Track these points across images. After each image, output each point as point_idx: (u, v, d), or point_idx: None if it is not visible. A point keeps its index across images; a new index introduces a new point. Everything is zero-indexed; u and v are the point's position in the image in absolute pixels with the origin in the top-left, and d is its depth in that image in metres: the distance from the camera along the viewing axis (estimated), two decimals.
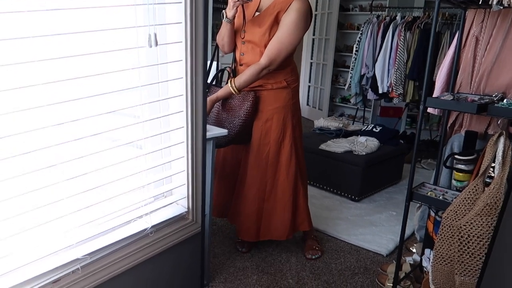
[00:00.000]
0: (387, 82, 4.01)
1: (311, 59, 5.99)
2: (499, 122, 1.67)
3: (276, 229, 2.15)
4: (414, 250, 2.28)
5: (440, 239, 1.52)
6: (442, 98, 1.68)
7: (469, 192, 1.46)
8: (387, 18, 4.11)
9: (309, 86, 6.08)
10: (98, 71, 1.20)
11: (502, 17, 1.72)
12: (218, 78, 2.17)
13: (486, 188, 1.42)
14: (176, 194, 1.61)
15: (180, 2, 1.33)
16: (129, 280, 1.45)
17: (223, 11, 1.96)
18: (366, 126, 3.66)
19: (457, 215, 1.47)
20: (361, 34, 4.26)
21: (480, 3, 1.54)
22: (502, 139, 1.44)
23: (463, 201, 1.47)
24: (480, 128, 1.84)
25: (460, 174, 1.67)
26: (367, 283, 2.07)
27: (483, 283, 1.37)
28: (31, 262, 1.17)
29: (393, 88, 3.92)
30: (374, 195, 3.23)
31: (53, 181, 1.17)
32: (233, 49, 2.11)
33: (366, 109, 5.02)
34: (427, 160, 4.04)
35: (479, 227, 1.40)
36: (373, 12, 4.50)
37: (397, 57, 3.87)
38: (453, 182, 1.74)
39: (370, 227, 2.67)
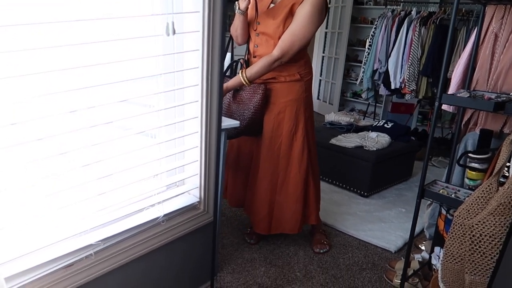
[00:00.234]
0: (400, 77, 3.96)
1: (323, 52, 5.95)
2: None
3: (287, 222, 2.15)
4: (423, 248, 2.27)
5: (451, 238, 1.52)
6: (458, 95, 1.66)
7: (483, 191, 1.45)
8: (402, 13, 4.05)
9: (320, 80, 6.04)
10: (116, 59, 1.20)
11: None
12: (232, 69, 2.16)
13: (500, 188, 1.41)
14: (188, 184, 1.62)
15: None
16: (141, 267, 1.47)
17: (236, 2, 1.95)
18: (377, 122, 3.63)
19: (469, 214, 1.46)
20: (375, 28, 4.21)
21: None
22: None
23: (476, 200, 1.46)
24: (495, 127, 1.82)
25: (474, 172, 1.65)
26: (374, 279, 2.07)
27: (495, 282, 1.36)
28: (46, 246, 1.18)
29: (406, 84, 3.87)
30: (384, 192, 3.22)
31: (69, 167, 1.18)
32: (247, 40, 2.11)
33: (377, 104, 4.98)
34: (438, 158, 4.01)
35: (491, 226, 1.39)
36: (388, 6, 4.44)
37: (411, 52, 3.82)
38: (466, 180, 1.73)
39: (379, 223, 2.66)
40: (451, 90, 1.95)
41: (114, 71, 1.23)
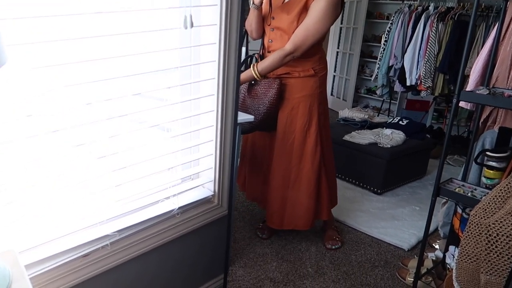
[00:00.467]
0: (416, 74, 3.91)
1: (338, 48, 5.89)
2: None
3: (300, 218, 2.15)
4: (436, 246, 2.25)
5: (466, 237, 1.50)
6: (477, 92, 1.63)
7: (500, 190, 1.42)
8: (419, 8, 3.99)
9: (334, 76, 6.00)
10: (133, 52, 1.21)
11: None
12: (247, 64, 2.16)
13: None
14: (203, 177, 1.63)
15: None
16: (155, 259, 1.49)
17: None
18: (392, 119, 3.59)
19: (486, 213, 1.44)
20: (391, 24, 4.16)
21: None
22: None
23: (493, 199, 1.43)
24: None
25: (491, 171, 1.62)
26: (387, 277, 2.06)
27: None
28: (64, 236, 1.21)
29: (422, 80, 3.82)
30: (397, 189, 3.19)
31: (86, 159, 1.20)
32: (262, 35, 2.10)
33: (391, 101, 4.93)
34: (453, 156, 3.95)
35: (509, 226, 1.37)
36: (405, 2, 4.38)
37: (427, 48, 3.76)
38: (483, 179, 1.70)
39: (392, 220, 2.64)
40: (469, 87, 1.92)
41: (131, 64, 1.24)
